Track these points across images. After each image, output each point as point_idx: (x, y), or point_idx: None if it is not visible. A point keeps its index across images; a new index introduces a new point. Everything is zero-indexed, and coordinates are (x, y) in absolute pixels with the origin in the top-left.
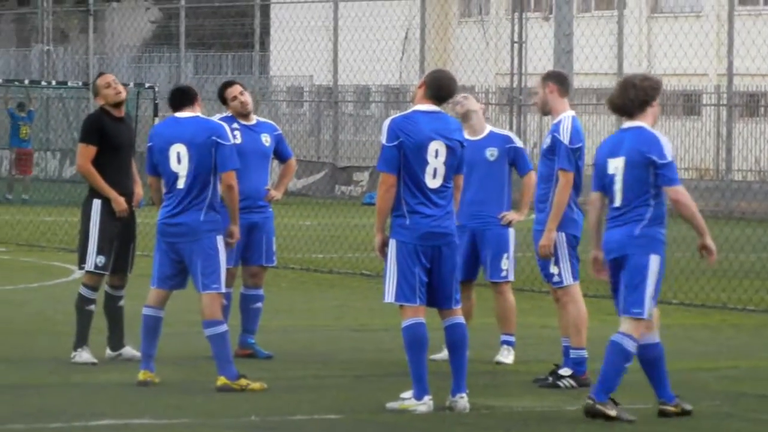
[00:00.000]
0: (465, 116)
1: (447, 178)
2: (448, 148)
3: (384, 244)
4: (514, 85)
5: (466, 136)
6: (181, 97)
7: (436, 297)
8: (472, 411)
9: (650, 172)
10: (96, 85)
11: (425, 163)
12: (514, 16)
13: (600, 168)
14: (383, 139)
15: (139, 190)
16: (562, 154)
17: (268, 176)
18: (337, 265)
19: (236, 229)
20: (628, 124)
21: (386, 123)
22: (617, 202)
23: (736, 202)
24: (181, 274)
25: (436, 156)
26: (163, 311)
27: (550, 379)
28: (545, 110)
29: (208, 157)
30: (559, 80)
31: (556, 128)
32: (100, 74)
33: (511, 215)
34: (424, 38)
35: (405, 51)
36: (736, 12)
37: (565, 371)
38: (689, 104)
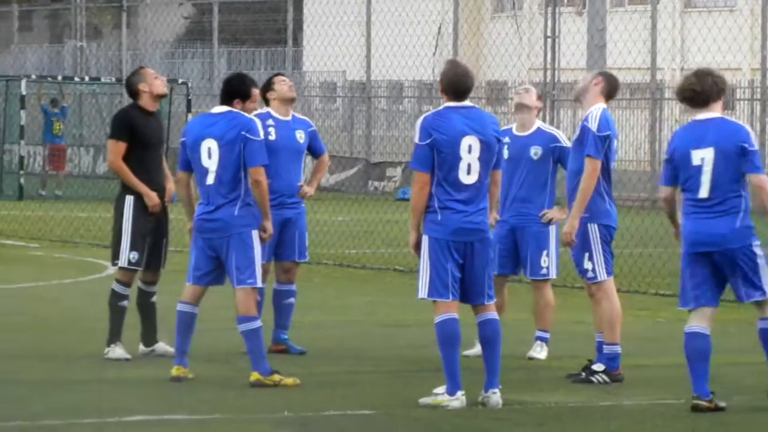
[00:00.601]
0: (516, 108)
1: (482, 173)
2: (482, 143)
3: (418, 242)
4: (547, 80)
5: (515, 131)
6: (225, 92)
7: (469, 293)
8: (504, 406)
9: (740, 161)
10: (142, 74)
11: (459, 159)
12: (547, 10)
13: (680, 160)
14: (416, 137)
15: (171, 186)
16: (589, 141)
17: (302, 172)
18: (370, 260)
19: (269, 225)
20: (705, 115)
21: (419, 121)
22: (704, 194)
23: None
24: (217, 270)
25: (470, 151)
26: (197, 307)
27: (583, 374)
28: (578, 98)
29: (239, 152)
30: (610, 81)
31: (586, 118)
32: (142, 67)
33: (552, 213)
34: (457, 33)
35: (438, 46)
36: None
37: (598, 366)
38: (723, 99)
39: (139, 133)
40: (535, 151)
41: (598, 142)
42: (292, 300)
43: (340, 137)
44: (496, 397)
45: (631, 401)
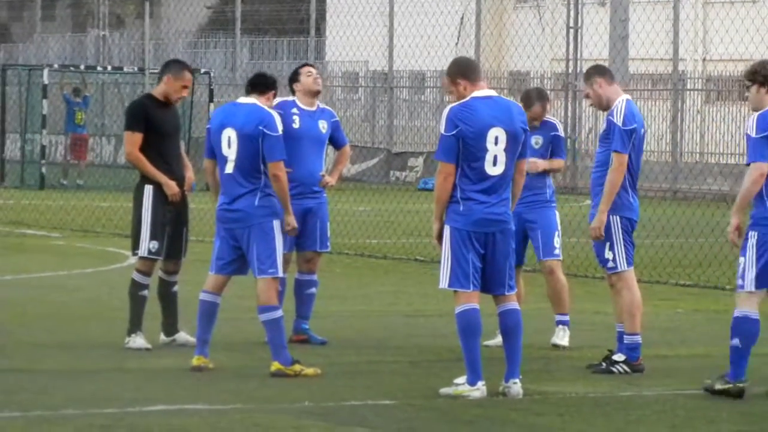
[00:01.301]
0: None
1: (508, 164)
2: (509, 134)
3: (441, 233)
4: (570, 70)
5: None
6: (252, 83)
7: (490, 283)
8: (525, 396)
9: None
10: (171, 76)
11: (485, 150)
12: (569, 1)
13: None
14: (442, 128)
15: (190, 175)
16: (615, 136)
17: (323, 162)
18: (391, 250)
19: (291, 219)
20: None
21: (445, 112)
22: None
23: None
24: (240, 260)
25: (496, 143)
26: (219, 297)
27: (604, 364)
28: (604, 106)
29: (256, 144)
30: (601, 72)
31: (611, 113)
32: (183, 66)
33: (540, 163)
34: (479, 23)
35: (460, 36)
36: None
37: (618, 357)
38: (744, 90)
39: (155, 123)
40: (536, 141)
41: (624, 137)
42: (313, 290)
43: (362, 127)
44: (517, 387)
45: (652, 391)
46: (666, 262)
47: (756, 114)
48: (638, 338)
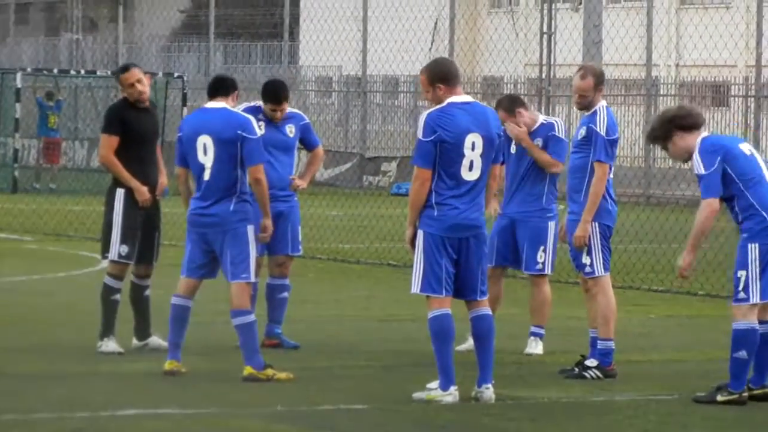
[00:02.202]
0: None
1: (483, 170)
2: (485, 139)
3: (414, 237)
4: (543, 75)
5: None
6: (216, 87)
7: (463, 288)
8: (497, 401)
9: None
10: (120, 80)
11: (462, 156)
12: (543, 6)
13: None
14: (419, 133)
15: (163, 180)
16: (599, 146)
17: (294, 166)
18: (364, 255)
19: (269, 223)
20: None
21: (422, 117)
22: None
23: None
24: (211, 263)
25: (473, 149)
26: (191, 301)
27: (576, 369)
28: (585, 106)
29: (234, 150)
30: (600, 78)
31: (592, 120)
32: (125, 67)
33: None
34: (453, 28)
35: (434, 41)
36: (766, 3)
37: (591, 362)
38: (718, 95)
39: (132, 127)
40: (537, 143)
41: (607, 146)
42: (285, 294)
43: (336, 132)
44: (489, 392)
45: (624, 397)
46: (639, 268)
47: (695, 153)
48: (611, 344)
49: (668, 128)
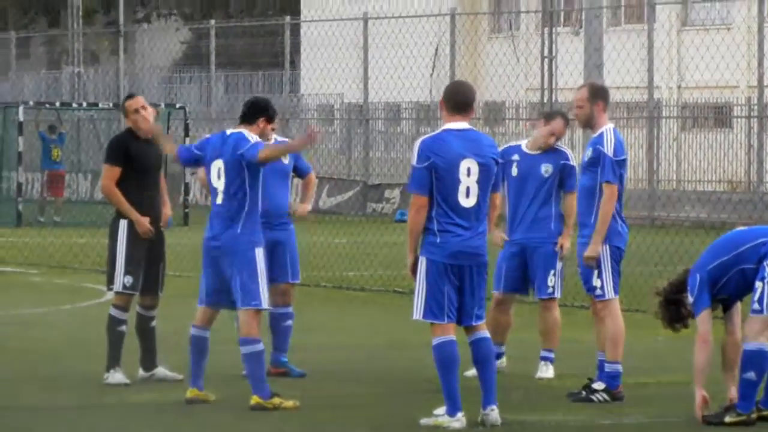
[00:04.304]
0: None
1: (481, 196)
2: (481, 165)
3: (416, 265)
4: (545, 100)
5: (525, 148)
6: (244, 113)
7: (461, 315)
8: (504, 426)
9: None
10: (125, 108)
11: (458, 182)
12: (544, 31)
13: None
14: (413, 160)
15: (167, 211)
16: (606, 167)
17: (289, 193)
18: (368, 282)
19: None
20: None
21: (416, 144)
22: None
23: None
24: (226, 291)
25: (469, 174)
26: (208, 331)
27: (584, 393)
28: (589, 124)
29: (240, 171)
30: (606, 97)
31: (599, 141)
32: (130, 96)
33: (565, 242)
34: (454, 54)
35: (435, 67)
36: (767, 24)
37: (598, 385)
38: (720, 116)
39: (135, 159)
40: (546, 169)
41: (615, 167)
42: (289, 322)
43: (338, 159)
44: (494, 413)
45: (631, 419)
46: (645, 290)
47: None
48: (619, 366)
49: None
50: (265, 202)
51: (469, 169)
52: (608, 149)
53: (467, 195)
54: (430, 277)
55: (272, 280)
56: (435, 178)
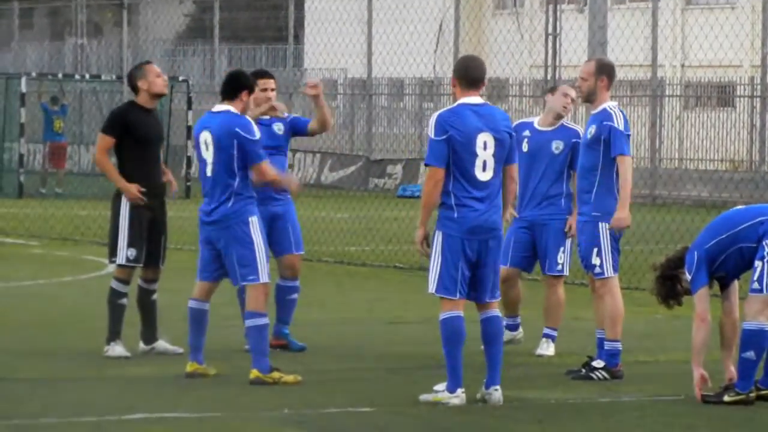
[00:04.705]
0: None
1: (497, 170)
2: (496, 139)
3: (425, 238)
4: (549, 77)
5: (537, 125)
6: (223, 89)
7: (477, 290)
8: (504, 403)
9: None
10: (144, 70)
11: (474, 155)
12: (548, 8)
13: None
14: (431, 133)
15: (170, 178)
16: (619, 140)
17: (285, 167)
18: (370, 257)
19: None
20: None
21: (433, 117)
22: None
23: None
24: (223, 265)
25: (485, 148)
26: (207, 304)
27: (583, 371)
28: (590, 99)
29: (231, 148)
30: (611, 75)
31: (605, 117)
32: (148, 62)
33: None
34: (458, 30)
35: (439, 43)
36: None
37: (598, 363)
38: (723, 96)
39: (136, 130)
40: (557, 146)
41: (627, 140)
42: (295, 296)
43: (341, 134)
44: (497, 393)
45: (630, 397)
46: (645, 269)
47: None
48: (619, 345)
49: None
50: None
51: (485, 143)
52: (619, 124)
53: (484, 169)
54: (445, 252)
55: (277, 253)
56: (453, 152)
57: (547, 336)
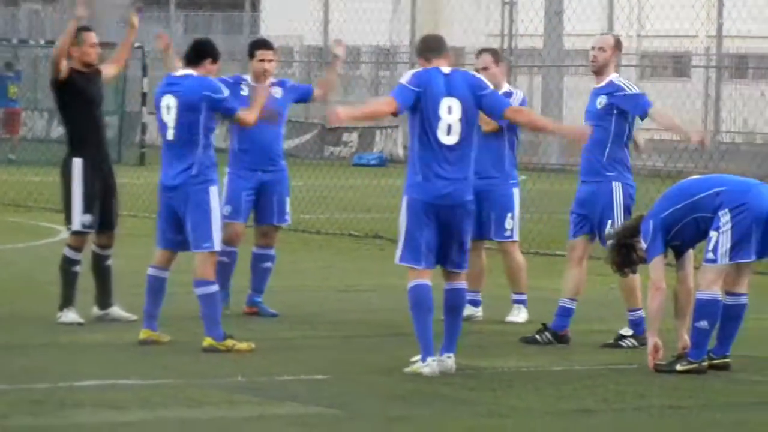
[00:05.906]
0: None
1: (464, 136)
2: (463, 104)
3: (343, 113)
4: (505, 46)
5: None
6: (190, 55)
7: (446, 258)
8: (458, 371)
9: None
10: (81, 36)
11: (438, 119)
12: None
13: None
14: (404, 80)
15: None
16: (641, 98)
17: (282, 136)
18: (324, 225)
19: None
20: None
21: (408, 72)
22: None
23: (725, 164)
24: (182, 233)
25: (450, 112)
26: (167, 272)
27: (612, 340)
28: (601, 71)
29: (197, 113)
30: (620, 44)
31: (616, 88)
32: (86, 28)
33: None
34: None
35: (395, 11)
36: None
37: (626, 331)
38: (679, 66)
39: (83, 91)
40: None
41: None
42: (269, 264)
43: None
44: (450, 361)
45: (583, 366)
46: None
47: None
48: (642, 312)
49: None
50: (255, 144)
51: (450, 107)
52: (633, 89)
53: (448, 132)
54: (411, 218)
55: (257, 221)
56: (419, 112)
57: (517, 302)
